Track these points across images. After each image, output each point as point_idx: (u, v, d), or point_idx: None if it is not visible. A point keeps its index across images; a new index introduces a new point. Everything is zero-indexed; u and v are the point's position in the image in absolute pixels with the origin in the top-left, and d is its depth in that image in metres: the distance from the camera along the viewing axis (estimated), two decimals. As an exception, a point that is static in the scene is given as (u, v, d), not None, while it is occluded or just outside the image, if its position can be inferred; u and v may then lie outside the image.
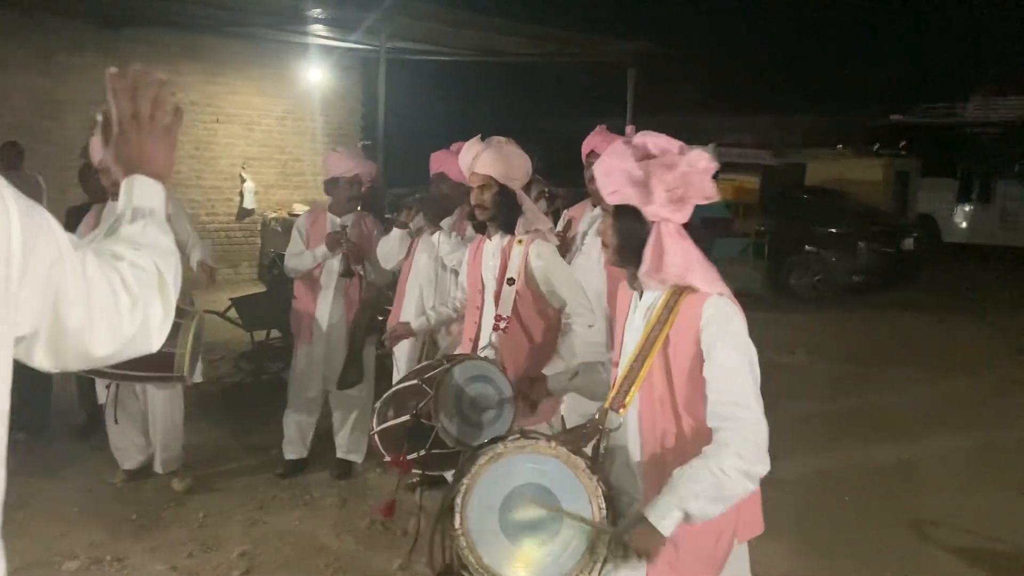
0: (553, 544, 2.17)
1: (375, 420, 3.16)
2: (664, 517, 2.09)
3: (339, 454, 5.22)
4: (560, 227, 4.68)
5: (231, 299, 7.49)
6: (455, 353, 3.47)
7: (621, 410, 2.32)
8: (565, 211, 4.90)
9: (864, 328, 10.22)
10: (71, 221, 4.76)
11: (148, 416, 4.87)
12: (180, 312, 4.39)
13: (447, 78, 15.76)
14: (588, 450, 2.38)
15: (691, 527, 2.17)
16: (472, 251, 3.77)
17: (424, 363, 3.41)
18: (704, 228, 11.32)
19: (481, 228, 3.64)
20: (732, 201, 11.56)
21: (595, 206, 4.39)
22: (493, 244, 3.60)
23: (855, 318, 10.75)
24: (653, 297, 2.33)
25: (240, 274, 12.08)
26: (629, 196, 2.26)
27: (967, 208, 16.69)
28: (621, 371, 2.35)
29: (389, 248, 4.83)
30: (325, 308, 5.01)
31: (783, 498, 4.44)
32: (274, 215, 12.11)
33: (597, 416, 2.40)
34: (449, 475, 3.34)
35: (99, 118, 1.47)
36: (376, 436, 3.14)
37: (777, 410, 6.68)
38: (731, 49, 21.63)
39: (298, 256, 5.03)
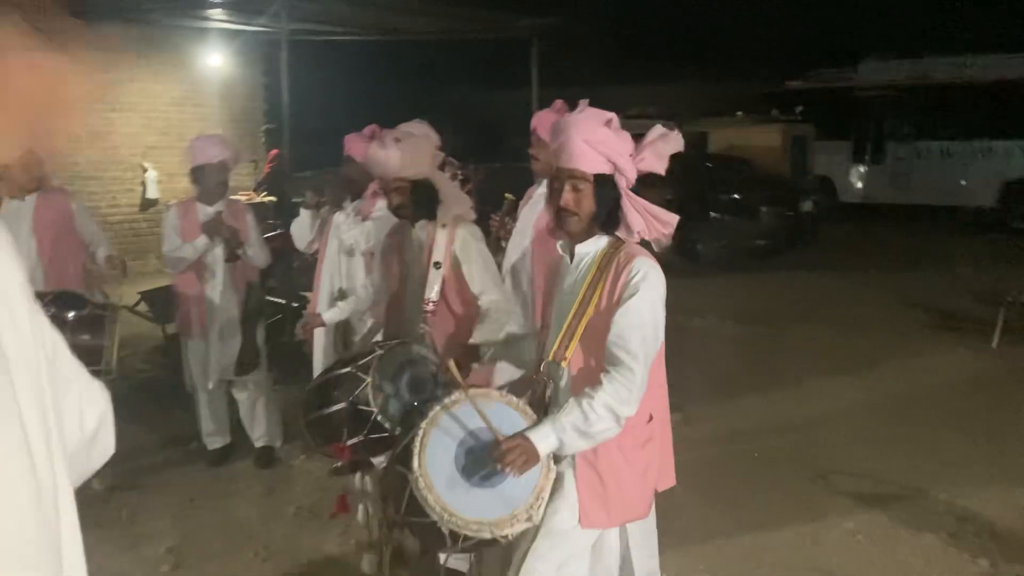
0: (504, 484, 2.37)
1: (303, 410, 3.20)
2: (542, 440, 2.37)
3: (258, 444, 5.23)
4: (504, 209, 4.74)
5: (140, 293, 7.34)
6: (386, 340, 3.52)
7: (563, 362, 2.53)
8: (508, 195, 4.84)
9: (769, 289, 10.61)
10: None
11: None
12: (103, 306, 4.34)
13: (353, 58, 15.57)
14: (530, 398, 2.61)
15: (617, 466, 2.48)
16: (391, 237, 3.81)
17: (354, 351, 3.45)
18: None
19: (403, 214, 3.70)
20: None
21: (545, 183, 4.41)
22: (416, 230, 3.66)
23: (760, 280, 11.14)
24: (586, 259, 2.56)
25: (147, 266, 11.77)
26: (620, 164, 2.45)
27: (861, 169, 17.38)
28: (562, 327, 2.55)
29: (299, 229, 4.88)
30: (215, 297, 4.96)
31: (696, 455, 4.66)
32: (179, 204, 11.83)
33: (542, 368, 2.61)
34: (377, 460, 3.42)
35: None
36: (305, 427, 3.18)
37: (688, 372, 6.94)
38: (632, 21, 21.91)
39: (178, 251, 4.89)
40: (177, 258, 4.91)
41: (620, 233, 2.52)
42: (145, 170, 12.01)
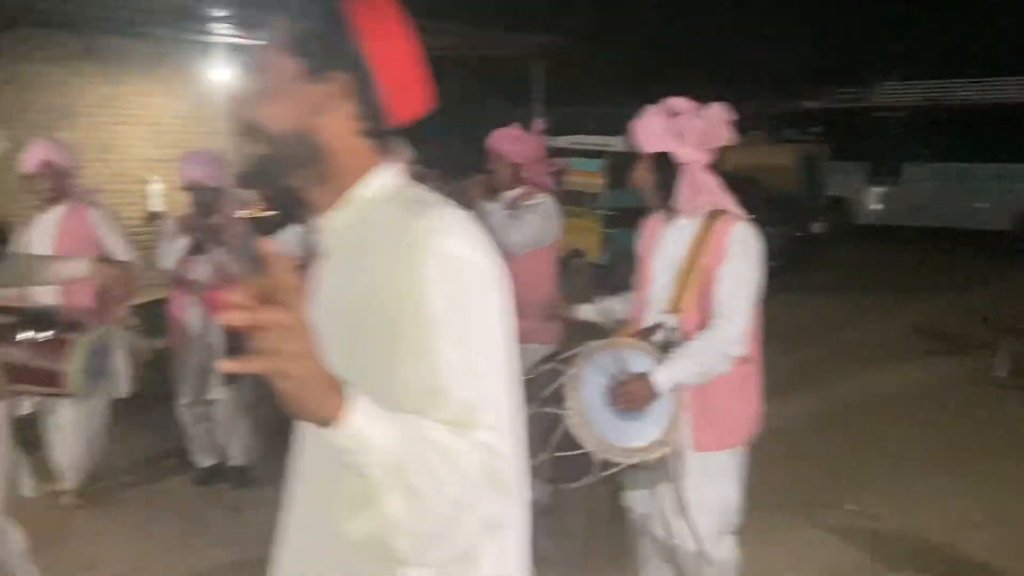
0: (645, 415, 2.75)
1: None
2: (663, 378, 2.74)
3: (232, 463, 5.15)
4: None
5: (130, 306, 7.29)
6: None
7: (678, 313, 2.91)
8: None
9: (776, 311, 10.39)
10: None
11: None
12: (73, 327, 4.24)
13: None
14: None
15: (724, 400, 2.91)
16: None
17: None
18: (624, 219, 11.40)
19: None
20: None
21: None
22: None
23: (769, 302, 10.94)
24: (688, 224, 2.92)
25: (151, 280, 11.78)
26: (665, 143, 2.86)
27: (877, 190, 17.17)
28: (675, 282, 2.92)
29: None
30: (200, 312, 4.97)
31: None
32: (184, 218, 11.81)
33: (660, 319, 2.99)
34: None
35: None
36: None
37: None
38: (646, 40, 21.87)
39: (163, 251, 4.98)
40: (163, 259, 4.99)
41: (675, 205, 2.91)
42: (151, 183, 12.04)
